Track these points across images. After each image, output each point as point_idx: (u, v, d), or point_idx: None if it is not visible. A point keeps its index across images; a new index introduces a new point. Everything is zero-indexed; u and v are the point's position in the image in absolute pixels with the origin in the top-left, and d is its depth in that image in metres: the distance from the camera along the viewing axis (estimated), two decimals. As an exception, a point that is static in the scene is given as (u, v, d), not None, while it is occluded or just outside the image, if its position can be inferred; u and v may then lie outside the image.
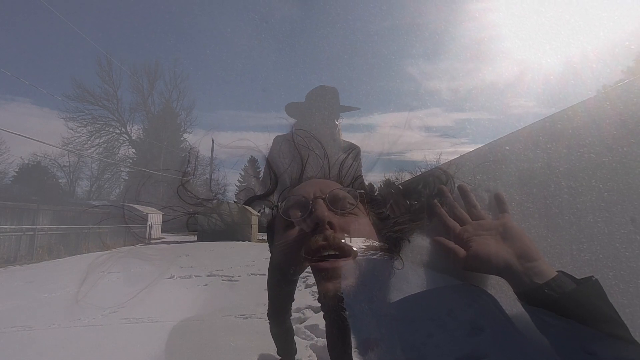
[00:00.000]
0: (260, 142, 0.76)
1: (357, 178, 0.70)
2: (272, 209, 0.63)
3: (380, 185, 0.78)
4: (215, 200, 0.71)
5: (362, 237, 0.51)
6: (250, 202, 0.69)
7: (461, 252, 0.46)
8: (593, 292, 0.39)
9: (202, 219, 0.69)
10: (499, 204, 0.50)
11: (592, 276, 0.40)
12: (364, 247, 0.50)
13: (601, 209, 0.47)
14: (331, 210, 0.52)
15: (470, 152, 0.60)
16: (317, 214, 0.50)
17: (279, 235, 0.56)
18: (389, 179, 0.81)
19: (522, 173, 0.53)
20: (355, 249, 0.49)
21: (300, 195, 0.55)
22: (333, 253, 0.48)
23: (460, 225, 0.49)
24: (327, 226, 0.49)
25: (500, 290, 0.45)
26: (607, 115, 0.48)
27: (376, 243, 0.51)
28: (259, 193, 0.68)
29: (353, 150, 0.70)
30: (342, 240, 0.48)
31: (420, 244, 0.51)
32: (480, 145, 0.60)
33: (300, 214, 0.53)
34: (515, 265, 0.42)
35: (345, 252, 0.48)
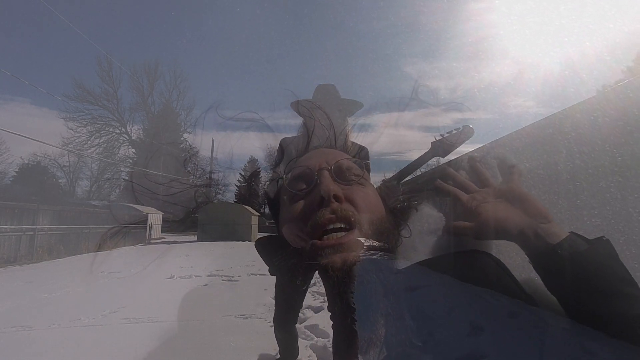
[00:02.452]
0: (260, 142, 0.76)
1: (363, 149, 0.69)
2: (277, 181, 0.62)
3: (380, 185, 0.77)
4: (215, 194, 0.71)
5: (369, 207, 0.50)
6: (256, 174, 0.67)
7: (471, 222, 0.45)
8: (605, 252, 0.39)
9: (208, 192, 0.69)
10: (506, 169, 0.49)
11: (603, 236, 0.40)
12: (365, 247, 0.49)
13: (601, 208, 0.47)
14: (337, 181, 0.51)
15: (470, 152, 0.60)
16: (322, 187, 0.48)
17: (285, 208, 0.54)
18: (387, 179, 0.81)
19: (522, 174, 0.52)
20: (362, 223, 0.48)
21: (305, 166, 0.53)
22: (340, 226, 0.47)
23: (467, 194, 0.48)
24: (333, 199, 0.47)
25: (509, 257, 0.45)
26: (607, 115, 0.48)
27: (376, 243, 0.51)
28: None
29: (361, 152, 0.70)
30: (350, 212, 0.47)
31: (428, 213, 0.51)
32: (480, 145, 0.60)
33: (305, 186, 0.52)
34: (528, 228, 0.41)
35: (353, 225, 0.47)
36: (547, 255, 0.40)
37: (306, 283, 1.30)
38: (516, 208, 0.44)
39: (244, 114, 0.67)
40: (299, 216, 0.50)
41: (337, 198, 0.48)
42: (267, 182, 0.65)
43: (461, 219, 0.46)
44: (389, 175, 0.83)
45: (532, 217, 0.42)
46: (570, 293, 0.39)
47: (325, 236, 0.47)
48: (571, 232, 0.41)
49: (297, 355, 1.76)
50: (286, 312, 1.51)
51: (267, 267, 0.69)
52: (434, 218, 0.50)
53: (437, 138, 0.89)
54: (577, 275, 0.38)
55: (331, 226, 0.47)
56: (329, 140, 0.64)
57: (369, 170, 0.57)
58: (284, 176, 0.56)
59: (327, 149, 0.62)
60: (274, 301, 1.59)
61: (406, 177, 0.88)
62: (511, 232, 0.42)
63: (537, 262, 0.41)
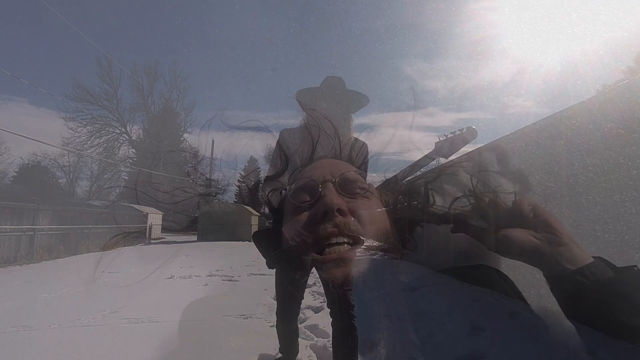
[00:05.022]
0: (260, 141, 0.76)
1: (364, 145, 0.68)
2: (282, 191, 0.61)
3: (381, 185, 0.77)
4: (216, 195, 0.71)
5: (374, 222, 0.49)
6: (258, 184, 0.67)
7: (491, 233, 0.42)
8: (632, 283, 0.36)
9: (209, 199, 0.70)
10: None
11: (635, 266, 0.37)
12: (365, 247, 0.49)
13: (602, 209, 0.47)
14: (341, 194, 0.50)
15: (471, 151, 0.60)
16: (326, 200, 0.47)
17: (288, 219, 0.53)
18: (389, 179, 0.80)
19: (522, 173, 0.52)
20: (363, 236, 0.47)
21: (310, 178, 0.52)
22: (344, 241, 0.46)
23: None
24: (337, 213, 0.46)
25: (530, 274, 0.44)
26: (607, 115, 0.48)
27: (376, 243, 0.51)
28: (268, 174, 0.66)
29: (361, 148, 0.69)
30: (354, 226, 0.46)
31: (436, 228, 0.50)
32: (480, 145, 0.60)
33: (309, 198, 0.51)
34: (545, 250, 0.39)
35: (356, 238, 0.46)
36: (564, 280, 0.37)
37: (304, 276, 1.31)
38: (534, 228, 0.40)
39: (247, 122, 0.66)
40: (302, 229, 0.49)
41: (340, 212, 0.47)
42: (270, 191, 0.64)
43: (481, 229, 0.44)
44: (389, 175, 0.83)
45: (551, 239, 0.39)
46: (588, 323, 0.36)
47: (327, 249, 0.46)
48: (597, 258, 0.38)
49: (297, 352, 1.77)
50: (288, 306, 1.53)
51: (265, 262, 0.69)
52: (445, 234, 0.49)
53: (441, 139, 0.89)
54: (597, 306, 0.35)
55: (334, 240, 0.46)
56: (334, 150, 0.63)
57: (366, 169, 0.57)
58: (288, 187, 0.56)
59: (332, 159, 0.60)
60: (274, 301, 1.60)
61: (409, 176, 0.89)
62: (527, 253, 0.40)
63: (554, 285, 0.39)
